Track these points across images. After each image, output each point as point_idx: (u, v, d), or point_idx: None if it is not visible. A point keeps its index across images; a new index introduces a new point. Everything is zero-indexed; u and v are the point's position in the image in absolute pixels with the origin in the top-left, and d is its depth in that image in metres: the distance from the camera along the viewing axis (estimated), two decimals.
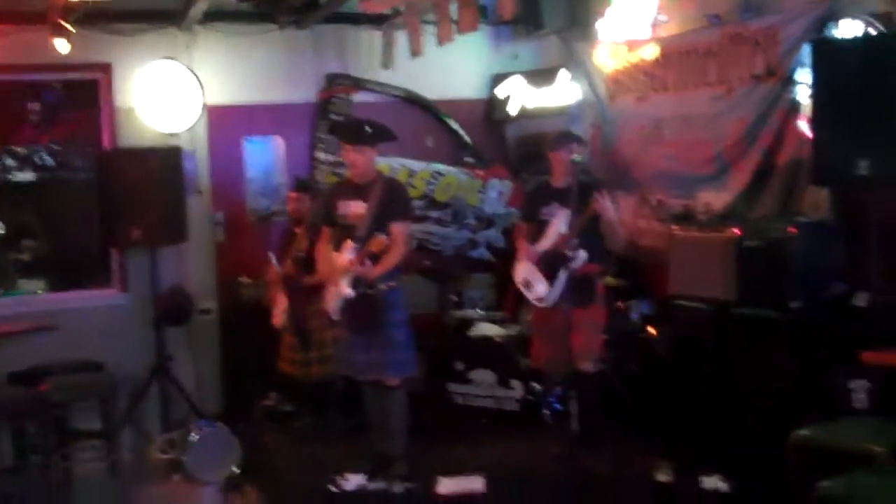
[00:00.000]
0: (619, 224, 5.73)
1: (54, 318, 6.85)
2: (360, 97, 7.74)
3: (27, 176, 7.56)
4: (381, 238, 5.33)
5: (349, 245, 5.44)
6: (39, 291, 7.56)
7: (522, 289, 5.85)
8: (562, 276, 5.60)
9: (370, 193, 5.51)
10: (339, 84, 7.67)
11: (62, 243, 7.83)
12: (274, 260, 6.54)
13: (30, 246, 7.79)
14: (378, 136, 5.61)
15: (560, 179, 5.76)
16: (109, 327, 7.21)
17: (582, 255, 5.56)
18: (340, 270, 5.45)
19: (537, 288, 5.73)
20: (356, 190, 5.59)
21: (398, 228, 5.49)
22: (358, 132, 5.63)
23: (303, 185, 6.93)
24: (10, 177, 7.53)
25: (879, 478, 3.63)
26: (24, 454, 6.31)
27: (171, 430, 6.95)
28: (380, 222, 5.45)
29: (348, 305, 5.49)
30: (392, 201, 5.52)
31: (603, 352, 5.88)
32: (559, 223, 5.64)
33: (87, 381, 6.59)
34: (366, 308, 5.46)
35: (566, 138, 5.86)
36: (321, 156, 7.61)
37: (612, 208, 5.59)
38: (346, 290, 5.44)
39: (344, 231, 5.55)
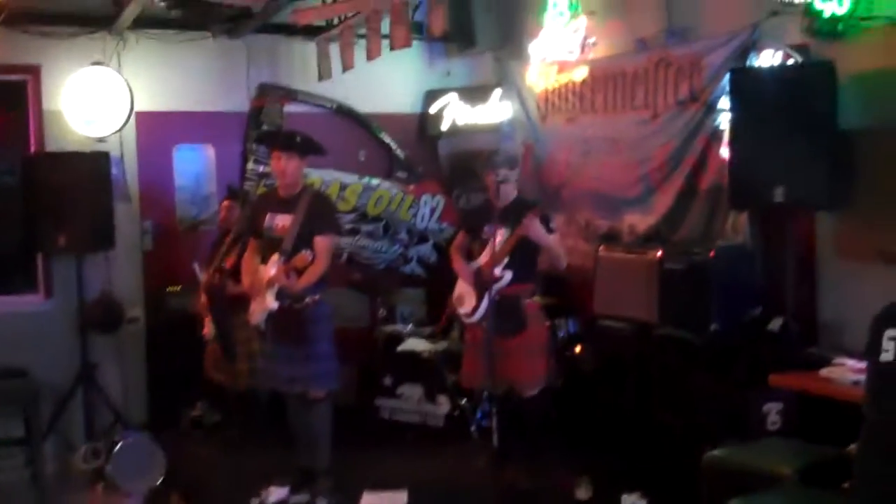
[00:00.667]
0: (557, 244, 5.60)
1: None
2: (292, 108, 7.73)
3: None
4: (306, 254, 5.35)
5: (275, 258, 5.45)
6: None
7: (456, 304, 5.82)
8: (488, 294, 5.50)
9: (297, 206, 5.51)
10: (271, 94, 7.66)
11: None
12: (198, 269, 6.53)
13: None
14: (307, 147, 5.62)
15: (498, 199, 5.59)
16: (33, 333, 7.09)
17: (507, 276, 5.47)
18: (265, 283, 5.46)
19: (467, 303, 5.71)
20: (282, 203, 5.60)
21: (323, 242, 5.49)
22: (288, 140, 5.65)
23: (234, 194, 6.93)
24: None
25: (784, 498, 3.74)
26: None
27: (96, 440, 6.89)
28: (305, 235, 5.46)
29: (272, 318, 5.50)
30: (318, 215, 5.53)
31: (551, 372, 5.71)
32: (497, 242, 5.52)
33: (9, 388, 6.45)
34: (290, 321, 5.47)
35: (492, 162, 5.65)
36: (252, 166, 7.59)
37: (541, 229, 5.44)
38: (271, 303, 5.46)
39: (270, 243, 5.55)
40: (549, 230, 5.56)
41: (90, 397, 7.11)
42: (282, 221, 5.55)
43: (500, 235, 5.47)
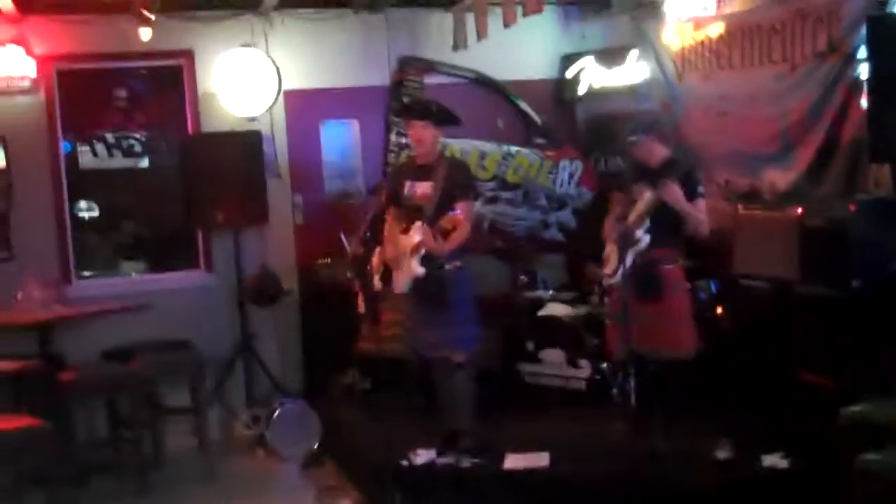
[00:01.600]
0: (698, 210, 5.41)
1: (145, 298, 7.11)
2: (432, 79, 7.85)
3: (116, 161, 7.89)
4: (454, 215, 5.43)
5: (417, 225, 5.60)
6: (134, 273, 7.91)
7: (604, 263, 5.77)
8: (629, 256, 5.46)
9: (435, 174, 5.65)
10: (411, 67, 7.79)
11: (151, 226, 8.18)
12: (345, 240, 6.74)
13: (129, 229, 8.16)
14: (442, 116, 5.73)
15: (653, 162, 5.56)
16: (196, 307, 7.51)
17: (645, 238, 5.40)
18: (410, 250, 5.61)
19: (610, 262, 5.66)
20: (421, 171, 5.74)
21: (464, 207, 5.58)
22: (423, 109, 5.82)
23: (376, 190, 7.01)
24: (100, 162, 7.88)
25: None
26: (117, 427, 6.63)
27: (256, 407, 7.25)
28: (446, 202, 5.57)
29: (417, 284, 5.64)
30: (457, 181, 5.64)
31: (693, 340, 5.59)
32: (641, 203, 5.48)
33: (177, 359, 6.86)
34: (432, 287, 5.60)
35: (651, 128, 5.67)
36: (395, 138, 7.76)
37: (679, 194, 5.31)
38: (417, 269, 5.60)
39: (410, 211, 5.70)
40: (695, 195, 5.42)
41: (250, 367, 7.48)
42: (421, 189, 5.69)
43: (645, 197, 5.40)
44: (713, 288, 6.46)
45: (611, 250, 5.71)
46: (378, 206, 6.01)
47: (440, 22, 7.82)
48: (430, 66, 7.84)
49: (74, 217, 7.73)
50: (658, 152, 5.56)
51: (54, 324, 6.62)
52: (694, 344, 5.51)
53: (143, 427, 6.57)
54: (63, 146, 7.59)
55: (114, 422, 6.64)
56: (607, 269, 5.69)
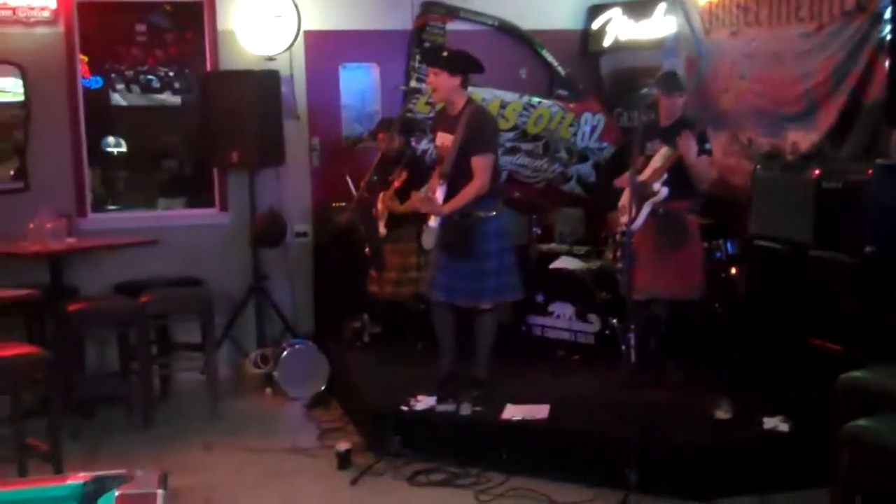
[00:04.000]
0: (703, 165, 5.65)
1: (160, 234, 7.17)
2: (454, 26, 7.72)
3: (138, 98, 7.89)
4: (432, 194, 5.52)
5: (436, 178, 5.62)
6: (155, 209, 7.92)
7: (620, 213, 5.99)
8: (646, 208, 5.67)
9: (458, 124, 5.59)
10: (433, 12, 7.67)
11: (172, 163, 8.21)
12: (351, 184, 6.71)
13: (150, 165, 8.19)
14: (455, 63, 5.64)
15: (667, 119, 5.80)
16: (210, 245, 7.53)
17: (664, 191, 5.63)
18: (432, 199, 5.60)
19: (626, 215, 5.76)
20: (449, 121, 5.70)
21: (478, 162, 5.54)
22: (435, 54, 5.79)
23: (386, 125, 6.99)
24: (122, 98, 7.89)
25: None
26: (127, 360, 6.69)
27: (265, 347, 7.29)
28: (463, 155, 5.54)
29: (443, 233, 5.61)
30: (475, 134, 5.56)
31: (702, 287, 5.87)
32: (657, 158, 5.73)
33: (187, 296, 6.87)
34: (457, 235, 5.57)
35: (676, 86, 5.83)
36: (415, 84, 7.68)
37: (692, 148, 5.54)
38: (432, 223, 5.59)
39: (439, 162, 5.74)
40: (703, 150, 5.65)
41: (261, 307, 7.49)
42: (444, 140, 5.68)
43: (661, 152, 5.68)
44: (729, 248, 6.40)
45: (625, 201, 5.84)
46: (380, 157, 5.99)
47: None
48: (453, 12, 7.72)
49: (102, 153, 7.75)
50: (673, 110, 5.77)
51: (65, 255, 6.68)
52: (703, 286, 5.87)
53: (152, 361, 6.66)
54: (92, 81, 7.58)
55: (123, 355, 6.71)
56: (624, 219, 5.79)
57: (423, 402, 5.67)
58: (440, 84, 5.62)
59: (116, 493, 2.36)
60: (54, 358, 5.29)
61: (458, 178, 5.54)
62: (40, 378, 5.30)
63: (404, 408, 5.64)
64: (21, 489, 2.45)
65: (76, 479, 2.43)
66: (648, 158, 5.79)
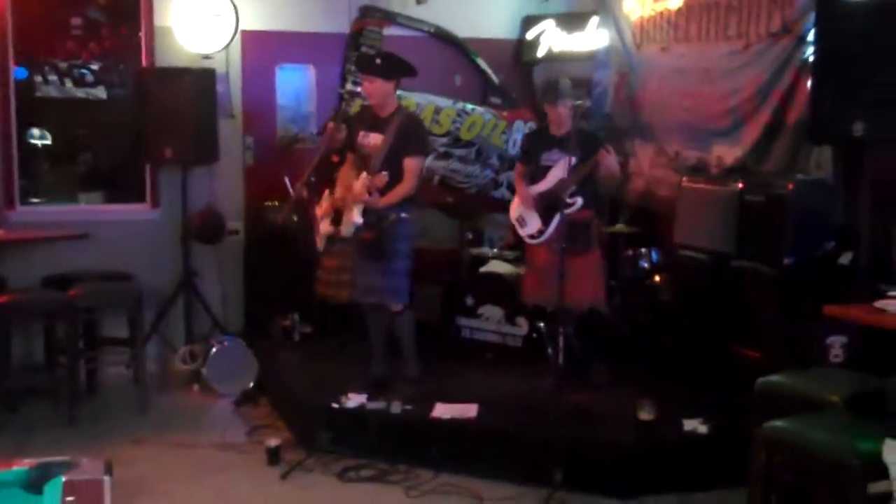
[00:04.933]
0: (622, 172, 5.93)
1: (90, 228, 7.12)
2: (390, 31, 7.77)
3: (70, 91, 7.80)
4: (383, 175, 5.62)
5: (363, 175, 5.68)
6: (81, 203, 7.83)
7: (516, 225, 6.12)
8: (556, 218, 5.77)
9: (388, 126, 5.72)
10: (371, 16, 7.72)
11: (102, 158, 8.12)
12: (289, 184, 6.76)
13: (80, 159, 8.09)
14: (388, 69, 5.77)
15: (558, 129, 5.90)
16: (140, 241, 7.49)
17: (579, 201, 5.73)
18: (353, 198, 5.70)
19: (530, 225, 5.97)
20: (376, 122, 5.84)
21: (410, 163, 5.74)
22: (369, 63, 5.89)
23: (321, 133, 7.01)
24: (54, 91, 7.79)
25: (822, 420, 3.78)
26: (53, 354, 6.62)
27: (194, 343, 7.29)
28: (393, 156, 5.68)
29: (358, 231, 5.77)
30: (407, 136, 5.74)
31: (605, 295, 6.04)
32: (559, 170, 5.79)
33: (116, 290, 6.80)
34: (372, 236, 5.73)
35: (560, 94, 5.88)
36: (350, 87, 7.73)
37: (616, 162, 5.78)
38: (357, 218, 5.71)
39: (362, 160, 5.81)
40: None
41: (190, 304, 7.47)
42: (373, 140, 5.81)
43: (564, 163, 5.62)
44: (654, 257, 6.61)
45: (525, 213, 6.01)
46: (323, 150, 6.05)
47: None
48: (390, 17, 7.80)
49: (26, 144, 7.65)
50: (562, 119, 5.86)
51: None
52: (603, 292, 6.02)
53: (79, 356, 6.57)
54: (17, 72, 7.48)
55: (50, 348, 6.65)
56: (526, 230, 6.00)
57: (354, 400, 5.74)
58: (375, 90, 5.78)
59: (64, 479, 2.40)
60: None
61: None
62: None
63: (335, 405, 5.70)
64: None
65: (21, 464, 2.47)
66: (542, 168, 5.93)
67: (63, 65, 7.71)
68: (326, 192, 6.36)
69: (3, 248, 6.87)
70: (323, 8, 7.78)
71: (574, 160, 5.47)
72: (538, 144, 6.01)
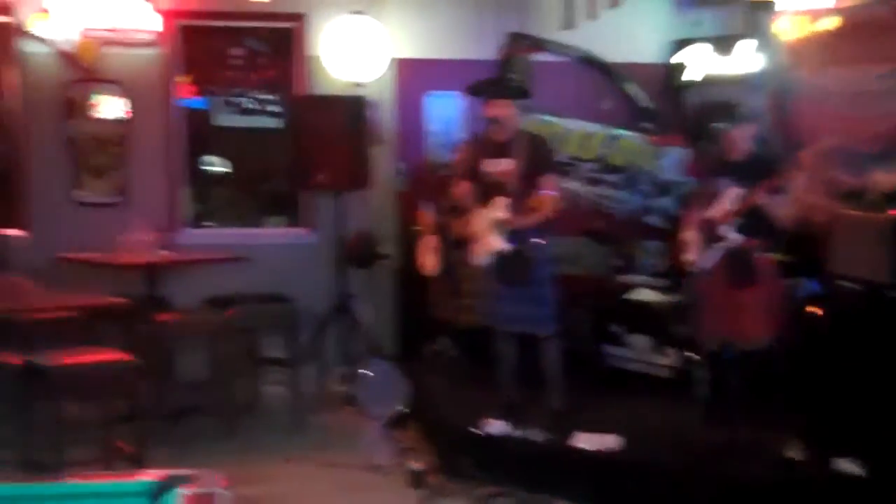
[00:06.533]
0: (790, 204, 5.56)
1: (250, 251, 7.40)
2: (539, 57, 7.80)
3: (232, 119, 8.18)
4: (543, 195, 5.61)
5: (500, 200, 5.70)
6: (241, 227, 8.16)
7: (681, 248, 5.91)
8: (716, 248, 5.60)
9: (515, 150, 5.73)
10: (520, 43, 7.77)
11: (261, 183, 8.48)
12: (427, 208, 6.86)
13: (242, 184, 8.48)
14: (515, 91, 5.89)
15: (735, 154, 5.69)
16: (297, 264, 7.76)
17: (736, 236, 5.52)
18: (492, 224, 5.72)
19: (691, 252, 5.78)
20: (499, 147, 5.82)
21: (549, 183, 5.72)
22: (501, 87, 6.01)
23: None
24: (220, 119, 8.19)
25: None
26: (215, 372, 6.86)
27: (348, 365, 7.45)
28: (529, 177, 5.69)
29: (500, 259, 5.75)
30: (539, 157, 5.75)
31: (779, 330, 5.70)
32: (728, 198, 5.59)
33: (274, 312, 7.08)
34: (518, 262, 5.71)
35: (739, 118, 5.77)
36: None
37: (776, 202, 5.49)
38: (500, 244, 5.71)
39: (489, 187, 5.80)
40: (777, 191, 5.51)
41: (345, 326, 7.66)
42: (503, 166, 5.79)
43: (733, 192, 5.48)
44: (811, 286, 6.37)
45: (691, 237, 5.77)
46: (457, 177, 6.12)
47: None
48: (539, 44, 7.81)
49: (196, 169, 8.05)
50: (740, 143, 5.62)
51: (158, 267, 6.95)
52: (773, 332, 5.61)
53: (239, 374, 6.84)
54: (194, 102, 7.90)
55: (212, 366, 6.93)
56: (689, 256, 5.77)
57: (496, 426, 5.75)
58: (505, 114, 5.79)
59: (181, 491, 2.54)
60: (144, 365, 5.53)
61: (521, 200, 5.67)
62: (130, 384, 5.54)
63: (476, 431, 5.73)
64: (95, 482, 2.63)
65: (146, 476, 2.62)
66: (714, 195, 5.68)
67: (228, 94, 8.08)
68: (461, 217, 6.44)
69: (167, 269, 7.23)
70: (472, 35, 7.88)
71: (741, 189, 5.34)
72: (712, 170, 5.81)
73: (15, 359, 5.38)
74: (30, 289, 6.14)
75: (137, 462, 5.32)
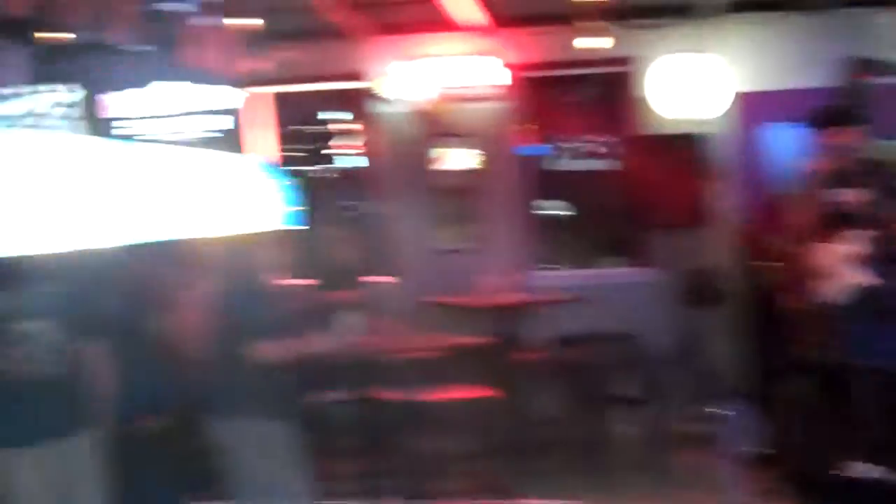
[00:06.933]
0: None
1: (593, 291, 7.60)
2: (882, 80, 7.46)
3: (571, 163, 8.51)
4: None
5: (852, 232, 5.56)
6: (587, 268, 8.42)
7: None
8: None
9: (860, 179, 5.58)
10: (859, 68, 7.48)
11: (601, 224, 8.72)
12: (775, 243, 6.74)
13: (583, 226, 8.76)
14: (859, 117, 5.73)
15: None
16: (639, 302, 7.81)
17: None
18: (843, 258, 5.58)
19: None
20: (844, 176, 5.67)
21: None
22: (842, 115, 5.85)
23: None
24: (559, 164, 8.55)
25: None
26: (567, 409, 7.14)
27: (700, 404, 7.35)
28: (876, 206, 5.52)
29: (866, 293, 5.55)
30: (885, 184, 5.56)
31: None
32: None
33: (623, 350, 7.21)
34: (883, 295, 5.49)
35: None
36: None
37: None
38: (859, 278, 5.53)
39: (832, 220, 5.66)
40: None
41: (693, 365, 7.60)
42: (847, 195, 5.63)
43: None
44: None
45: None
46: (800, 210, 6.01)
47: (891, 22, 7.54)
48: (881, 68, 7.54)
49: (538, 213, 8.45)
50: None
51: (512, 309, 7.33)
52: None
53: (591, 411, 7.01)
54: (532, 149, 8.31)
55: (565, 403, 7.15)
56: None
57: (859, 469, 5.58)
58: (854, 141, 5.67)
59: None
60: (506, 401, 5.88)
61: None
62: (494, 419, 5.90)
63: (836, 473, 5.58)
64: None
65: None
66: None
67: (565, 139, 8.42)
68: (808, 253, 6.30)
69: (520, 311, 7.58)
70: (808, 64, 7.69)
71: None
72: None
73: (394, 395, 5.90)
74: (402, 331, 6.67)
75: (505, 494, 5.64)
